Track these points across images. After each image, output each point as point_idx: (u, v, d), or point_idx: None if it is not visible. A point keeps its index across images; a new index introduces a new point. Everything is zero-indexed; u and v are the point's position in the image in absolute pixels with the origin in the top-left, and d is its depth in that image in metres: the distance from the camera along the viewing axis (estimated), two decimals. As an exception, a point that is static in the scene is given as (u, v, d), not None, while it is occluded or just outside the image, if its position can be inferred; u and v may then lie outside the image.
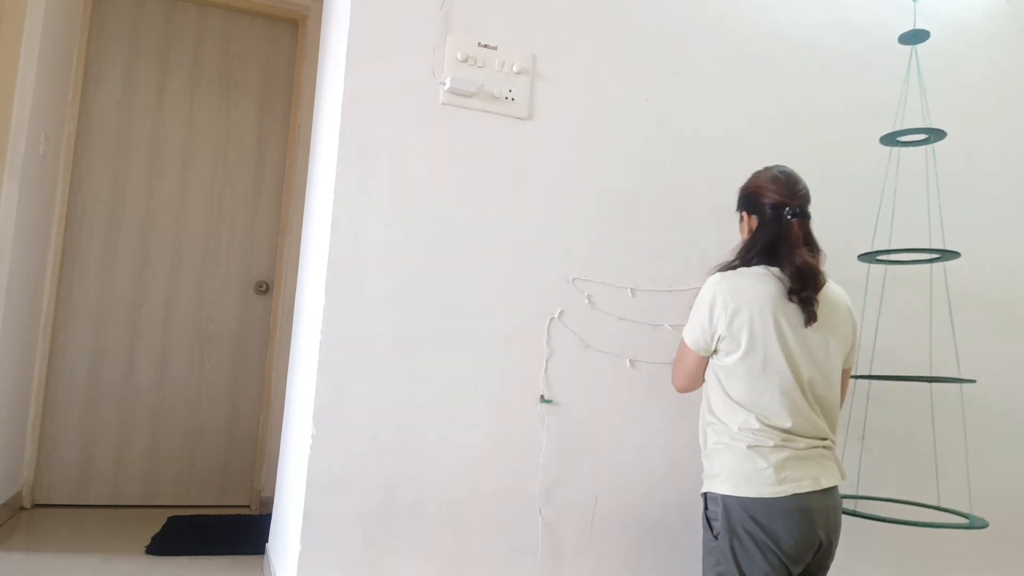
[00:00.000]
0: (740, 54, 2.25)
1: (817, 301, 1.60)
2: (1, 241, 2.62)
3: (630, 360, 2.04)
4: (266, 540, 2.61)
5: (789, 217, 1.64)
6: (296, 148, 3.39)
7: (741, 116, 2.23)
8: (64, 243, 3.15)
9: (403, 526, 1.81)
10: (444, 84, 1.90)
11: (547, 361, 1.97)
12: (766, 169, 1.74)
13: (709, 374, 1.70)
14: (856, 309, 1.78)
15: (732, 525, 1.56)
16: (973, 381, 2.05)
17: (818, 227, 1.84)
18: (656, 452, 2.06)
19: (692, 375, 1.74)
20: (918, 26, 2.22)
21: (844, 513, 1.76)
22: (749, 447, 1.57)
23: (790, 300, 1.60)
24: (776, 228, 1.65)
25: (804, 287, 1.59)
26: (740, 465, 1.57)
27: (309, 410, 1.80)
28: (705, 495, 1.66)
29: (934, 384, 2.34)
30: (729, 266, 1.69)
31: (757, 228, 1.70)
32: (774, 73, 2.29)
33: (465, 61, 1.92)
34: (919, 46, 2.24)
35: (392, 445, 1.82)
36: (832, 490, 1.61)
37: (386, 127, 1.86)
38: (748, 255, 1.68)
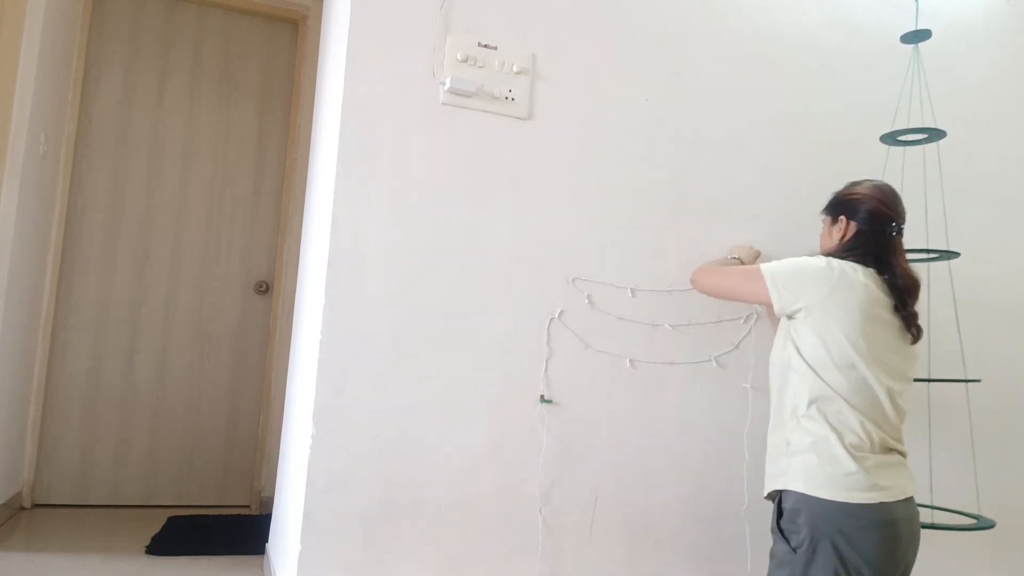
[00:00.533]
0: (740, 54, 2.25)
1: (918, 315, 1.61)
2: (1, 241, 2.62)
3: (630, 360, 2.04)
4: (266, 540, 2.61)
5: (894, 234, 1.65)
6: (296, 148, 3.39)
7: (741, 116, 2.23)
8: (64, 243, 3.15)
9: (403, 526, 1.81)
10: (444, 84, 1.90)
11: (547, 361, 1.96)
12: (866, 180, 1.75)
13: (798, 363, 1.61)
14: None
15: (817, 539, 1.48)
16: (978, 381, 2.05)
17: (818, 227, 1.85)
18: (656, 452, 2.06)
19: (734, 293, 1.79)
20: (918, 26, 2.22)
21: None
22: (841, 447, 1.51)
23: (895, 312, 1.59)
24: (881, 239, 1.65)
25: (911, 302, 1.60)
26: (828, 466, 1.51)
27: (309, 410, 1.80)
28: (780, 498, 1.58)
29: (933, 384, 2.33)
30: (834, 256, 1.66)
31: (856, 234, 1.68)
32: (774, 73, 2.29)
33: (465, 61, 1.92)
34: (920, 45, 2.24)
35: (392, 445, 1.82)
36: (912, 500, 1.58)
37: (386, 127, 1.86)
38: (846, 254, 1.65)
